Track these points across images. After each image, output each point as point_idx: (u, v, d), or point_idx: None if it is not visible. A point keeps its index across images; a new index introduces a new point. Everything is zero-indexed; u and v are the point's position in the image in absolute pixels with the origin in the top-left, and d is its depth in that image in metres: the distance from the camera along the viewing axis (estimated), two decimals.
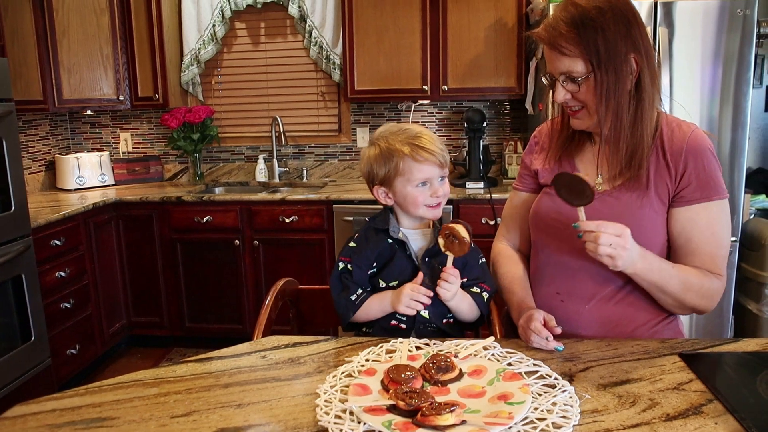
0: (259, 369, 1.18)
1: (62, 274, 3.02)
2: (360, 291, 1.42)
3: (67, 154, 3.95)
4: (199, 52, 3.88)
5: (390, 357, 1.19)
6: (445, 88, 3.51)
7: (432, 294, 1.37)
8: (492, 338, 1.25)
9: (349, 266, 1.45)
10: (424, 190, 1.41)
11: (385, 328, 1.42)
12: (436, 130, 3.92)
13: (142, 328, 3.67)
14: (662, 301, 1.32)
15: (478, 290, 1.48)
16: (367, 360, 1.18)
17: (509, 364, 1.15)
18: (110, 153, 4.09)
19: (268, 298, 1.52)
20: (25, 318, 2.69)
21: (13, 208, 2.62)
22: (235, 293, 3.57)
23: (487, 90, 3.52)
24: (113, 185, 3.93)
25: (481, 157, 3.55)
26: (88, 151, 4.06)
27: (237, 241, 3.48)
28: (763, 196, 3.29)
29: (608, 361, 1.18)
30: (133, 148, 4.16)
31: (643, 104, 1.29)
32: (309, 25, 3.80)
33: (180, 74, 3.90)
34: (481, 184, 3.44)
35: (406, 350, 1.21)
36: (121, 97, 3.69)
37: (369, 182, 1.48)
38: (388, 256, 1.44)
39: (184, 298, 3.61)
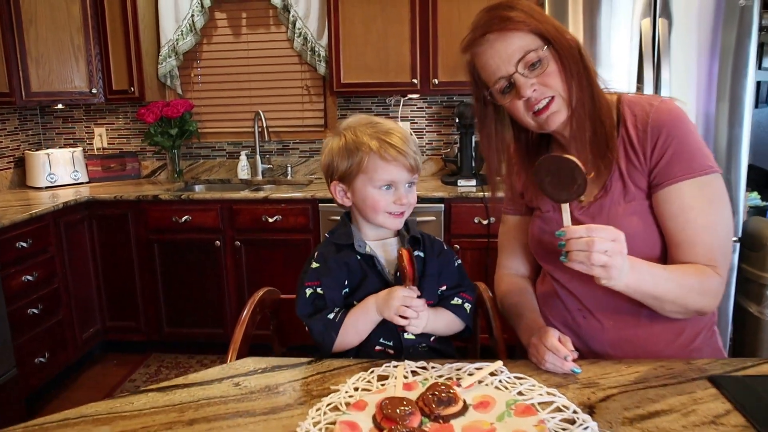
0: (230, 400, 1.02)
1: (29, 277, 2.83)
2: (337, 309, 1.25)
3: (37, 150, 3.75)
4: (177, 44, 3.69)
5: (382, 385, 1.04)
6: (436, 81, 3.36)
7: (425, 305, 1.22)
8: (500, 362, 1.10)
9: (318, 290, 1.27)
10: (387, 195, 1.26)
11: (370, 354, 1.26)
12: (426, 126, 3.77)
13: (117, 333, 3.49)
14: (662, 310, 1.17)
15: (459, 301, 1.33)
16: (356, 389, 1.03)
17: (520, 393, 1.00)
18: (84, 149, 3.88)
19: (245, 312, 1.36)
20: None
21: None
22: (216, 296, 3.40)
23: None
24: (87, 183, 3.74)
25: (473, 153, 3.41)
26: (60, 147, 3.86)
27: (218, 242, 3.31)
28: (755, 194, 3.17)
29: (631, 387, 1.04)
30: (108, 144, 3.96)
31: (592, 75, 1.18)
32: (293, 16, 3.63)
33: (157, 66, 3.71)
34: (473, 182, 3.29)
35: (401, 377, 1.05)
36: (94, 90, 3.50)
37: (327, 176, 1.33)
38: (360, 275, 1.28)
39: (162, 302, 3.43)
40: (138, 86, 3.52)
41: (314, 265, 1.29)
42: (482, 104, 1.25)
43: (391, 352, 1.26)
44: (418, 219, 3.11)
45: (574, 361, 1.09)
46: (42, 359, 2.92)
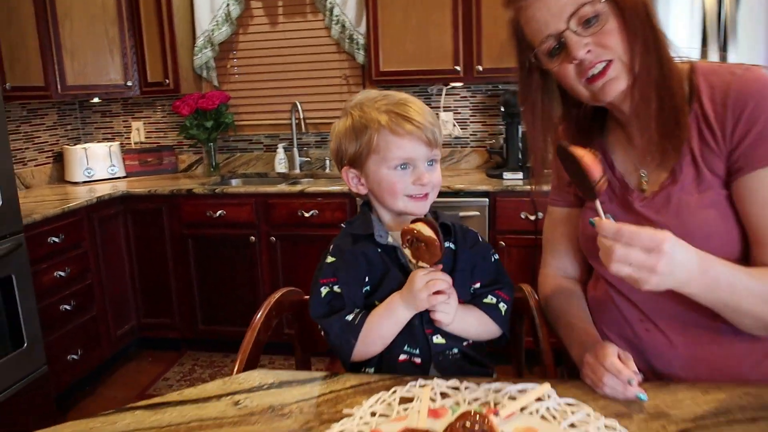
0: (226, 422, 0.88)
1: (61, 273, 2.77)
2: (357, 310, 1.09)
3: (76, 144, 3.72)
4: (213, 34, 3.60)
5: (405, 410, 0.88)
6: (480, 68, 3.15)
7: (450, 280, 1.05)
8: (548, 385, 0.91)
9: (335, 287, 1.10)
10: (405, 175, 1.09)
11: (394, 366, 1.09)
12: (470, 116, 3.57)
13: (152, 330, 3.43)
14: (740, 324, 0.95)
15: (494, 300, 1.15)
16: (372, 414, 0.87)
17: (572, 426, 0.82)
18: (122, 143, 3.85)
19: (258, 316, 1.22)
20: (16, 322, 2.45)
21: (1, 203, 2.37)
22: (251, 294, 3.29)
23: None
24: (124, 177, 3.69)
25: (520, 144, 3.19)
26: (98, 142, 3.82)
27: (252, 237, 3.20)
28: None
29: (710, 419, 0.84)
30: (145, 137, 3.91)
31: (660, 36, 0.98)
32: (330, 3, 3.48)
33: (192, 58, 3.63)
34: (520, 175, 3.08)
35: (427, 399, 0.89)
36: (129, 83, 3.44)
37: (337, 163, 1.17)
38: (382, 269, 1.11)
39: (197, 299, 3.35)
40: (173, 78, 3.45)
41: (329, 259, 1.13)
42: (527, 71, 1.06)
43: (418, 361, 1.09)
44: (461, 214, 2.93)
45: (639, 385, 0.89)
46: (74, 356, 2.87)
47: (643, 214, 1.04)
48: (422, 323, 1.09)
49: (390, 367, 1.09)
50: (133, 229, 3.30)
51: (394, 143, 1.07)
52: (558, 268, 1.27)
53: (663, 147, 1.03)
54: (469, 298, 1.16)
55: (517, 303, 1.26)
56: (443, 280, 1.03)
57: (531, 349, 1.23)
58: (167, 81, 3.44)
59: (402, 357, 1.09)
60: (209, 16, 3.59)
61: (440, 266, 1.05)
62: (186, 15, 3.57)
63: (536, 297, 1.26)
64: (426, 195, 1.11)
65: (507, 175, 3.10)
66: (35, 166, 3.54)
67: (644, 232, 0.83)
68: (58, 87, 3.24)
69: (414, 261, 1.04)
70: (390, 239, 1.11)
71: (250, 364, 1.12)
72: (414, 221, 1.03)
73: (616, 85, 0.98)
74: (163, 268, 3.33)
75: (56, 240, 2.75)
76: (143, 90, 3.49)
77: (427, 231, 1.02)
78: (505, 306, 1.17)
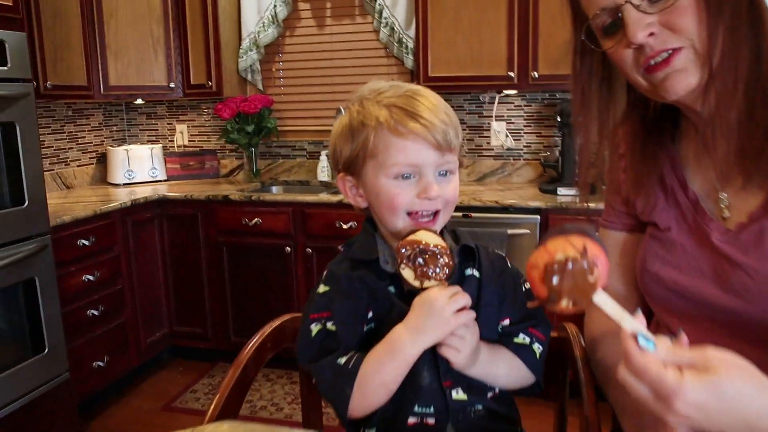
0: None
1: (90, 277, 2.70)
2: (352, 353, 0.88)
3: (120, 146, 3.69)
4: (259, 36, 3.49)
5: None
6: (536, 74, 2.92)
7: (470, 300, 0.85)
8: None
9: (329, 325, 0.89)
10: (408, 186, 0.88)
11: (402, 430, 0.88)
12: (524, 126, 3.33)
13: (185, 339, 3.33)
14: None
15: (526, 339, 0.94)
16: None
17: None
18: (165, 146, 3.79)
19: (248, 348, 1.04)
20: (37, 327, 2.38)
21: (27, 203, 2.30)
22: (285, 307, 3.14)
23: None
24: (165, 181, 3.63)
25: (577, 157, 2.93)
26: (142, 144, 3.78)
27: (288, 248, 3.06)
28: None
29: None
30: (189, 141, 3.84)
31: (765, 20, 0.73)
32: (379, 5, 3.32)
33: (237, 60, 3.53)
34: (576, 191, 2.82)
35: None
36: (172, 84, 3.37)
37: (334, 167, 0.98)
38: (388, 304, 0.89)
39: (230, 310, 3.23)
40: (216, 80, 3.36)
41: (322, 288, 0.93)
42: (580, 53, 0.86)
43: (431, 422, 0.88)
44: (509, 231, 2.69)
45: None
46: (100, 363, 2.78)
47: (723, 252, 0.81)
48: (437, 374, 0.88)
49: (397, 430, 0.88)
50: (169, 234, 3.22)
51: (395, 145, 0.87)
52: None
53: (747, 165, 0.80)
54: (496, 337, 0.95)
55: (560, 345, 1.04)
56: (464, 296, 0.84)
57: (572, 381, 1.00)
58: (210, 83, 3.36)
59: (412, 420, 0.88)
60: (256, 18, 3.50)
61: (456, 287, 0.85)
62: (232, 16, 3.48)
63: (582, 343, 1.03)
64: (435, 214, 0.90)
65: (561, 190, 2.84)
66: (78, 166, 3.51)
67: (731, 360, 0.62)
68: (101, 87, 3.20)
69: (418, 283, 0.84)
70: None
71: (229, 409, 0.94)
72: (411, 232, 0.84)
73: (684, 79, 0.76)
74: (197, 276, 3.23)
75: (86, 243, 2.68)
76: (186, 92, 3.42)
77: (433, 239, 0.83)
78: (541, 347, 0.95)
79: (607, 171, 0.95)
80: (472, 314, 0.85)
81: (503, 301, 0.94)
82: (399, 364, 0.84)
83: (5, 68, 2.20)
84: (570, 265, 0.69)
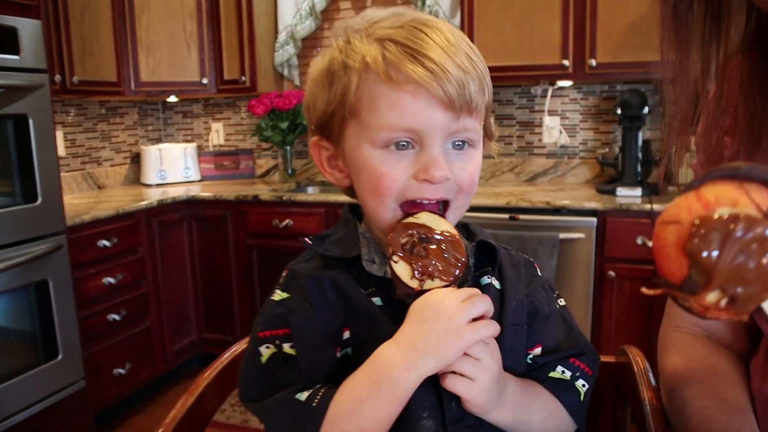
0: None
1: (111, 280, 2.56)
2: (317, 387, 0.63)
3: (154, 146, 3.59)
4: (296, 29, 3.32)
5: None
6: (593, 63, 2.62)
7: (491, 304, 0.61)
8: None
9: (286, 347, 0.64)
10: (402, 161, 0.63)
11: None
12: (581, 122, 3.02)
13: (214, 346, 3.16)
14: None
15: (567, 374, 0.69)
16: None
17: None
18: (201, 146, 3.67)
19: (207, 372, 0.82)
20: (51, 331, 2.25)
21: (40, 200, 2.18)
22: None
23: (652, 65, 2.56)
24: (198, 181, 3.50)
25: (640, 155, 2.61)
26: (176, 143, 3.67)
27: None
28: None
29: None
30: (225, 140, 3.70)
31: None
32: None
33: (273, 54, 3.37)
34: (638, 191, 2.50)
35: None
36: (205, 80, 3.23)
37: (309, 130, 0.73)
38: (371, 322, 0.64)
39: None
40: (250, 75, 3.19)
41: (278, 296, 0.68)
42: None
43: None
44: (561, 236, 2.39)
45: None
46: (121, 371, 2.64)
47: None
48: (442, 421, 0.63)
49: None
50: (198, 236, 3.07)
51: (385, 99, 0.61)
52: (697, 323, 0.76)
53: None
54: (524, 370, 0.70)
55: (616, 377, 0.78)
56: (483, 300, 0.59)
57: None
58: (243, 78, 3.20)
59: None
60: (293, 10, 3.32)
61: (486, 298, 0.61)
62: (268, 9, 3.32)
63: (651, 379, 0.76)
64: (438, 203, 0.64)
65: (621, 191, 2.53)
66: (111, 166, 3.42)
67: None
68: (132, 83, 3.08)
69: (416, 284, 0.60)
70: (389, 268, 0.66)
71: None
72: (408, 214, 0.62)
73: None
74: (226, 281, 3.06)
75: (107, 244, 2.54)
76: (219, 88, 3.27)
77: (440, 223, 0.61)
78: (586, 385, 0.70)
79: (702, 131, 0.69)
80: (496, 326, 0.60)
81: (533, 321, 0.69)
82: (386, 401, 0.59)
83: (17, 57, 2.08)
84: (740, 230, 0.40)
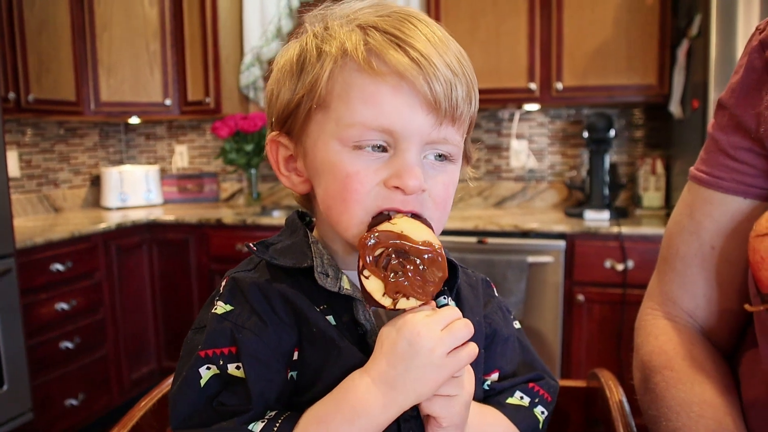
0: None
1: (64, 306, 2.44)
2: (272, 413, 0.56)
3: (114, 167, 3.48)
4: (262, 50, 3.29)
5: None
6: (560, 86, 2.63)
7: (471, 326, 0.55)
8: None
9: (232, 368, 0.57)
10: (373, 164, 0.57)
11: None
12: (548, 146, 3.03)
13: None
14: None
15: (525, 400, 0.65)
16: None
17: None
18: (164, 168, 3.58)
19: (144, 402, 0.75)
20: None
21: None
22: None
23: (617, 89, 2.60)
24: (161, 204, 3.40)
25: (607, 178, 2.62)
26: (139, 165, 3.57)
27: None
28: None
29: None
30: (189, 163, 3.62)
31: None
32: None
33: (239, 76, 3.32)
34: (605, 214, 2.50)
35: None
36: (168, 102, 3.16)
37: (268, 126, 0.66)
38: (326, 340, 0.58)
39: None
40: (214, 97, 3.14)
41: (221, 308, 0.60)
42: None
43: None
44: (530, 259, 2.37)
45: None
46: (74, 401, 2.51)
47: None
48: None
49: None
50: (159, 260, 2.96)
51: (361, 90, 0.55)
52: (681, 306, 0.70)
53: None
54: (481, 396, 0.65)
55: (588, 400, 0.74)
56: (464, 326, 0.54)
57: None
58: (208, 99, 3.14)
59: None
60: (259, 32, 3.29)
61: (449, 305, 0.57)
62: (234, 30, 3.28)
63: (622, 399, 0.71)
64: (415, 215, 0.58)
65: (589, 214, 2.52)
66: (69, 188, 3.30)
67: None
68: (91, 103, 3.00)
69: (390, 302, 0.55)
70: (345, 283, 0.60)
71: None
72: (383, 218, 0.55)
73: None
74: (188, 306, 2.96)
75: (61, 268, 2.43)
76: (182, 109, 3.20)
77: (421, 232, 0.55)
78: (545, 412, 0.65)
79: (727, 92, 0.66)
80: (475, 348, 0.55)
81: (491, 344, 0.64)
82: (364, 425, 0.54)
83: None
84: None
